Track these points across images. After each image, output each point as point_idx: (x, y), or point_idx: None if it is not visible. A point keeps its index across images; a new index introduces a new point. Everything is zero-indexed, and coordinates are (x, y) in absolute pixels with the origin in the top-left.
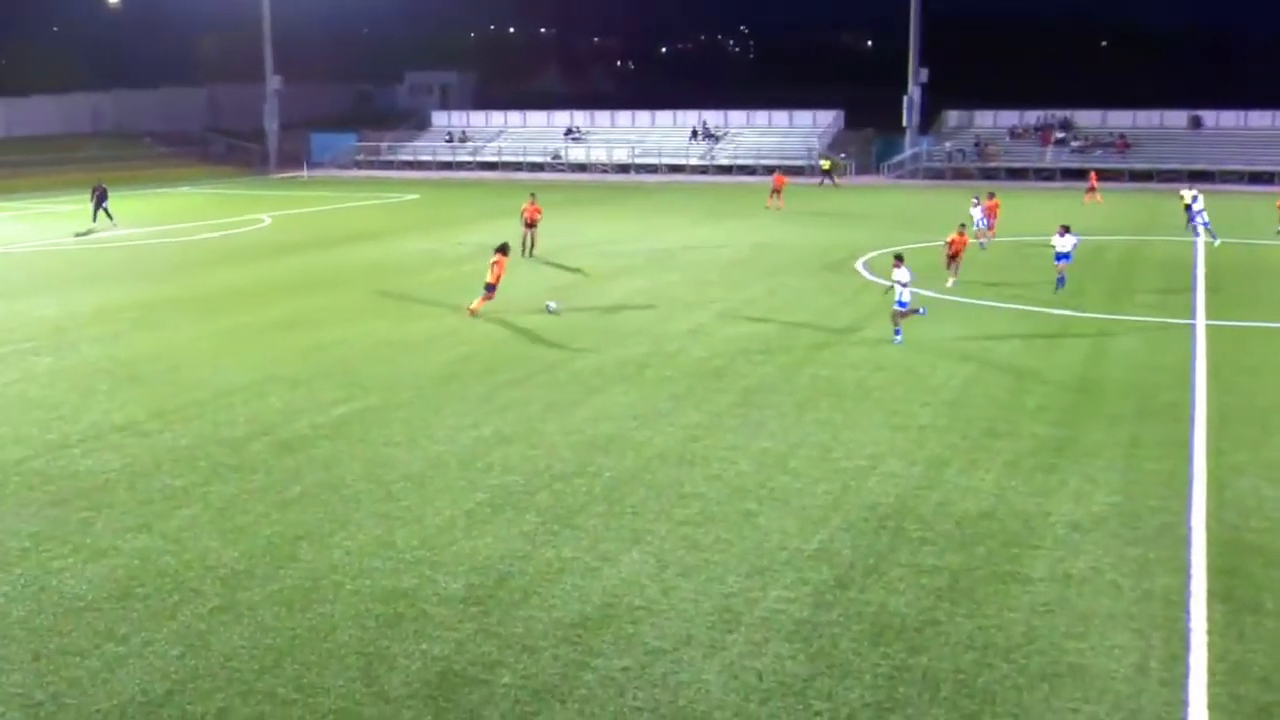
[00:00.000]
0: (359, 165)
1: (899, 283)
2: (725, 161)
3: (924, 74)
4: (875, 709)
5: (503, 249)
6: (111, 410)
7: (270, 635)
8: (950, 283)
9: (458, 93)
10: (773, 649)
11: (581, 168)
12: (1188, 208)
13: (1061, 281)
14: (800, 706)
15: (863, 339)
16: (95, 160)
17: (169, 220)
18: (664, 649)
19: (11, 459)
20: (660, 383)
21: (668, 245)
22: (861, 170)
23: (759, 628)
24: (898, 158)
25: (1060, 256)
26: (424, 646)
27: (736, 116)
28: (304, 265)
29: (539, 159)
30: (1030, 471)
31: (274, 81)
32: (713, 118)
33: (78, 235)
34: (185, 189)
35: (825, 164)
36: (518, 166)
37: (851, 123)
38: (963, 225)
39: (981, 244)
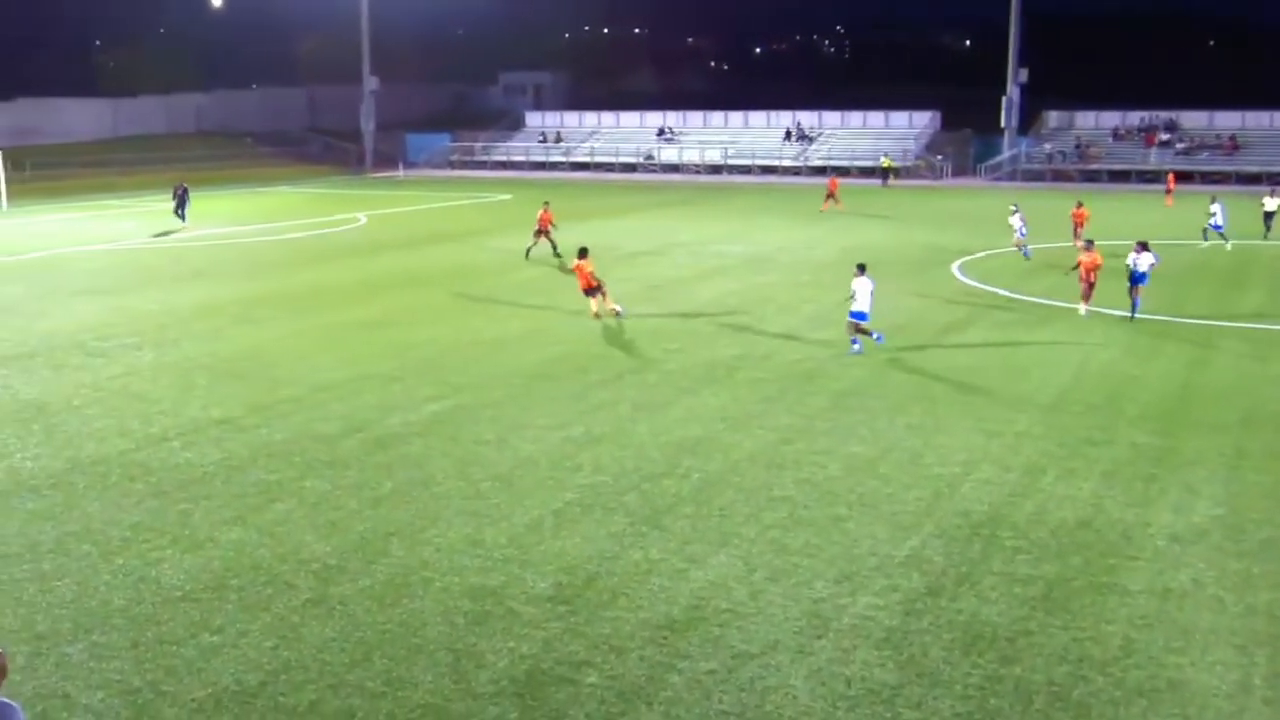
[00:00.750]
0: (453, 165)
1: (855, 293)
2: (819, 163)
3: (1024, 74)
4: (966, 719)
5: (581, 254)
6: (210, 405)
7: (361, 629)
8: (1083, 310)
9: (551, 93)
10: (861, 656)
11: (674, 168)
12: (1269, 215)
13: (1135, 306)
14: (889, 715)
15: (957, 343)
16: (198, 159)
17: (268, 219)
18: (751, 653)
19: (114, 451)
20: (751, 385)
21: (760, 247)
22: (958, 172)
23: (848, 634)
24: (995, 159)
25: (1136, 278)
26: (511, 644)
27: (831, 117)
28: (399, 264)
29: (631, 159)
30: (1129, 481)
31: (371, 82)
32: (807, 118)
33: (155, 236)
34: (284, 188)
35: (885, 162)
36: (610, 167)
37: (948, 124)
38: (1090, 241)
39: (1025, 253)
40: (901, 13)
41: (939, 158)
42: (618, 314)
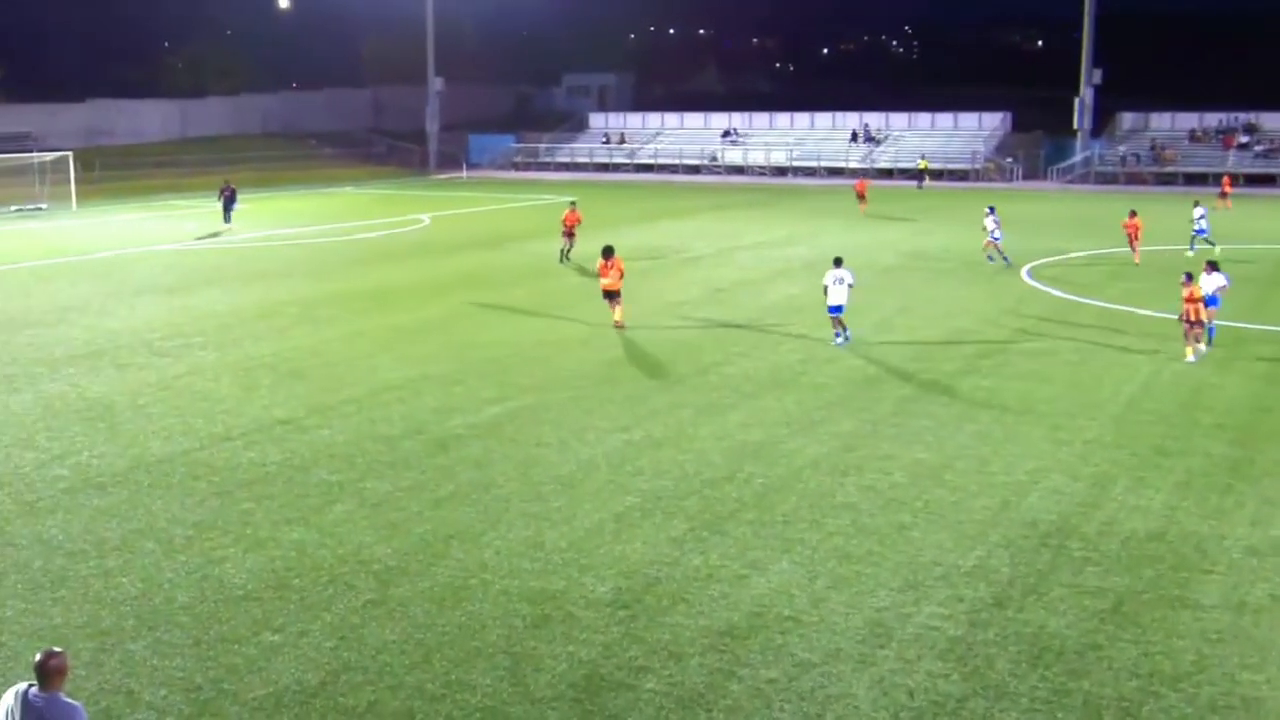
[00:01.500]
0: (516, 167)
1: (827, 287)
2: (886, 165)
3: (1098, 74)
4: None
5: (607, 253)
6: (272, 405)
7: (421, 631)
8: (1191, 355)
9: (615, 94)
10: (925, 666)
11: (739, 170)
12: None
13: (1210, 333)
14: None
15: (1026, 349)
16: (264, 160)
17: (331, 219)
18: (813, 661)
19: (179, 450)
20: (815, 389)
21: (825, 250)
22: (1028, 174)
23: (911, 644)
24: (1067, 162)
25: (1207, 301)
26: (570, 649)
27: (898, 119)
28: (461, 265)
29: (695, 161)
30: (1203, 492)
31: (436, 83)
32: (874, 120)
33: (199, 239)
34: (348, 189)
35: (922, 165)
36: (674, 169)
37: (1019, 125)
38: (1189, 275)
39: (1000, 258)
40: (971, 12)
41: (1009, 160)
42: (620, 326)
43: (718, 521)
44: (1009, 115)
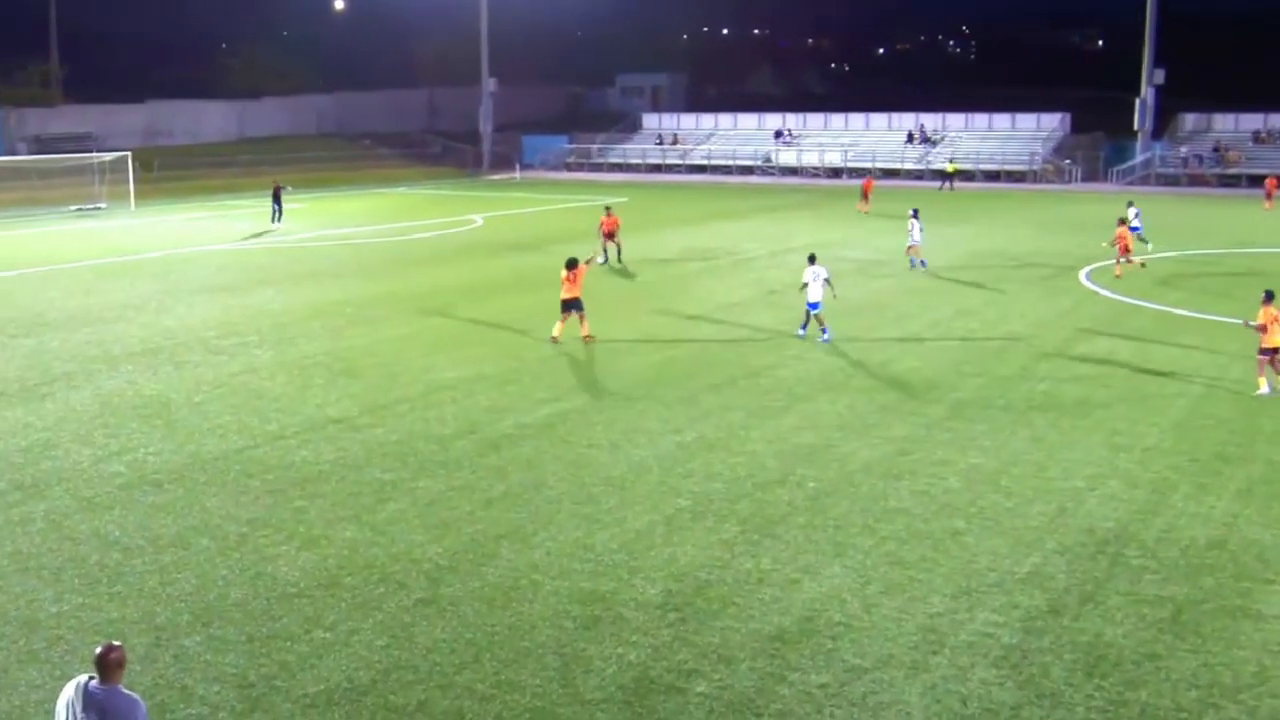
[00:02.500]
0: (569, 167)
1: (807, 283)
2: (942, 166)
3: (1159, 74)
4: None
5: (570, 264)
6: (326, 404)
7: (471, 631)
8: (1264, 388)
9: (669, 95)
10: (979, 674)
11: (792, 171)
12: None
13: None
14: None
15: (1084, 353)
16: (319, 161)
17: (386, 219)
18: (864, 667)
19: (234, 447)
20: (868, 392)
21: (879, 252)
22: (1088, 176)
23: (965, 651)
24: (1127, 163)
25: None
26: (620, 651)
27: (955, 119)
28: (514, 265)
29: (749, 162)
30: (1266, 500)
31: (490, 84)
32: (930, 120)
33: (254, 237)
34: (402, 189)
35: (950, 167)
36: (727, 169)
37: (1079, 126)
38: (1270, 293)
39: (920, 263)
40: (1030, 12)
41: (1067, 161)
42: (589, 338)
43: (769, 525)
44: (1068, 116)
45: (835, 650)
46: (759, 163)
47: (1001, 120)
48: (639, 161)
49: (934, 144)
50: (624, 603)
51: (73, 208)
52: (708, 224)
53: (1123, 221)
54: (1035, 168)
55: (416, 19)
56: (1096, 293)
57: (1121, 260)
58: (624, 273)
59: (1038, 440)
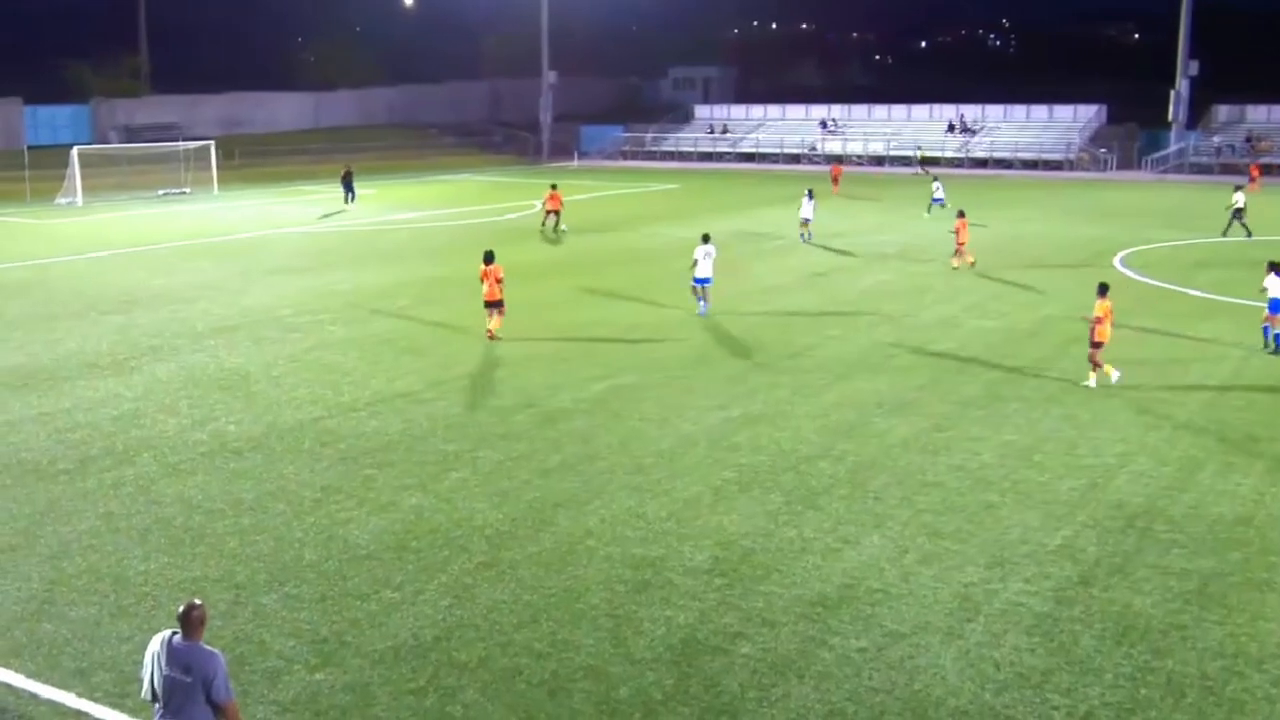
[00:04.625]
0: (624, 156)
1: (696, 260)
2: (981, 155)
3: (1194, 66)
4: (1115, 709)
5: (485, 258)
6: (394, 378)
7: (529, 593)
8: (1091, 380)
9: (719, 86)
10: (1011, 640)
11: (837, 159)
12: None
13: (1278, 340)
14: (1038, 700)
15: (1116, 335)
16: (388, 149)
17: (450, 204)
18: (902, 633)
19: (309, 418)
20: (906, 371)
21: (918, 238)
22: (1123, 165)
23: (998, 619)
24: (1161, 152)
25: (1274, 306)
26: (669, 613)
27: (994, 110)
28: (570, 249)
29: (795, 151)
30: None
31: (550, 76)
32: (970, 111)
33: (324, 218)
34: (466, 176)
35: (920, 155)
36: (774, 158)
37: (1114, 117)
38: (1104, 286)
39: (807, 236)
40: (1068, 5)
41: (1103, 151)
42: (491, 336)
43: (811, 496)
44: (1104, 107)
45: (874, 616)
46: (805, 151)
47: (1039, 111)
48: (690, 150)
49: (973, 134)
50: (673, 568)
51: (160, 192)
52: (754, 210)
53: (962, 214)
54: (1071, 157)
55: (480, 15)
56: (1130, 277)
57: (959, 250)
58: (671, 256)
59: (1069, 418)
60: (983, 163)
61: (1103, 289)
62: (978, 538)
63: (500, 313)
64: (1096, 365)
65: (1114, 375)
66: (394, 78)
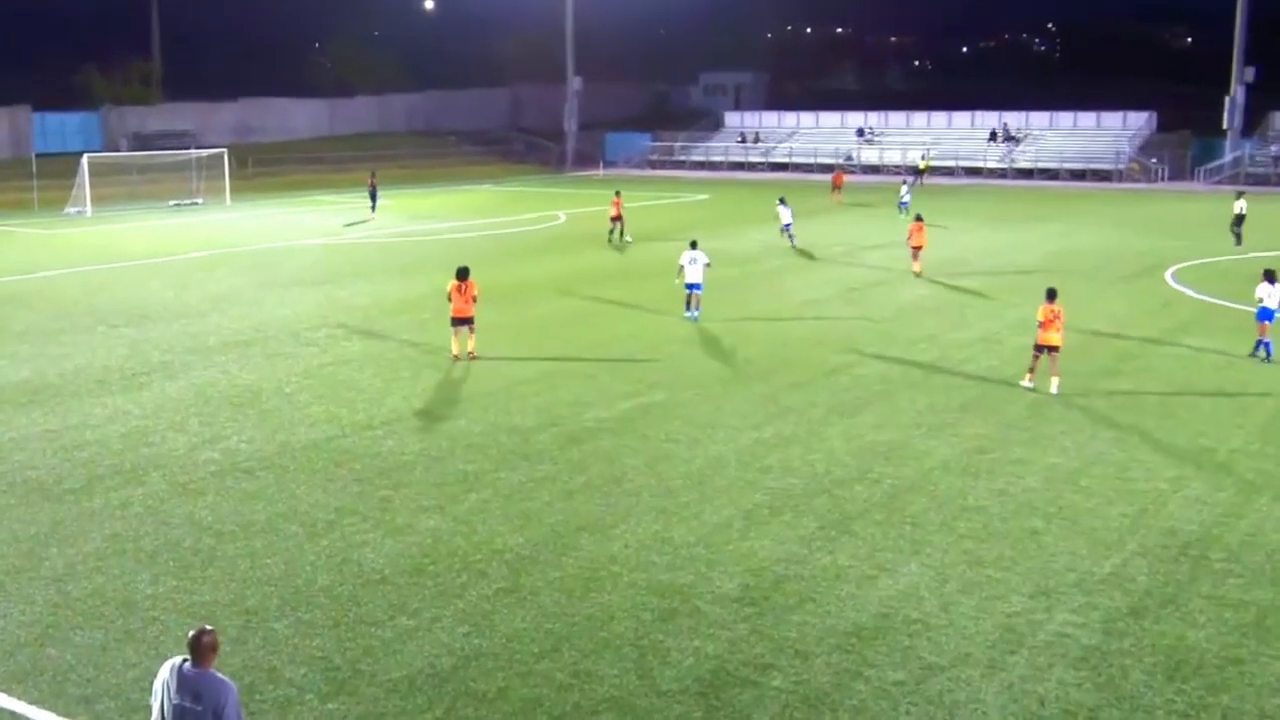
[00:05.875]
0: (652, 165)
1: (683, 266)
2: (1026, 165)
3: (1250, 72)
4: None
5: (458, 274)
6: (412, 395)
7: (550, 620)
8: (1028, 382)
9: (751, 93)
10: (1057, 674)
11: (874, 169)
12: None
13: (1266, 348)
14: None
15: (1169, 354)
16: (407, 157)
17: (471, 215)
18: (941, 665)
19: (323, 436)
20: (947, 390)
21: (959, 251)
22: (1174, 175)
23: (1043, 651)
24: (1216, 162)
25: (1263, 314)
26: (697, 643)
27: (1039, 118)
28: (596, 261)
29: (830, 160)
30: None
31: (575, 83)
32: (1013, 119)
33: (346, 227)
34: (487, 186)
35: (923, 165)
36: (809, 168)
37: (1166, 124)
38: (1052, 291)
39: (792, 240)
40: (1117, 8)
41: (1154, 160)
42: (473, 356)
43: (846, 521)
44: (1154, 114)
45: (912, 647)
46: (840, 161)
47: (1086, 118)
48: (721, 159)
49: (1017, 142)
50: (701, 596)
51: (171, 202)
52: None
53: (919, 219)
54: (1121, 167)
55: (503, 18)
56: (1183, 293)
57: (916, 256)
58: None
59: (1119, 440)
60: (1027, 173)
61: (1051, 294)
62: (1021, 566)
63: (473, 331)
64: (1032, 370)
65: (1054, 385)
66: (413, 83)
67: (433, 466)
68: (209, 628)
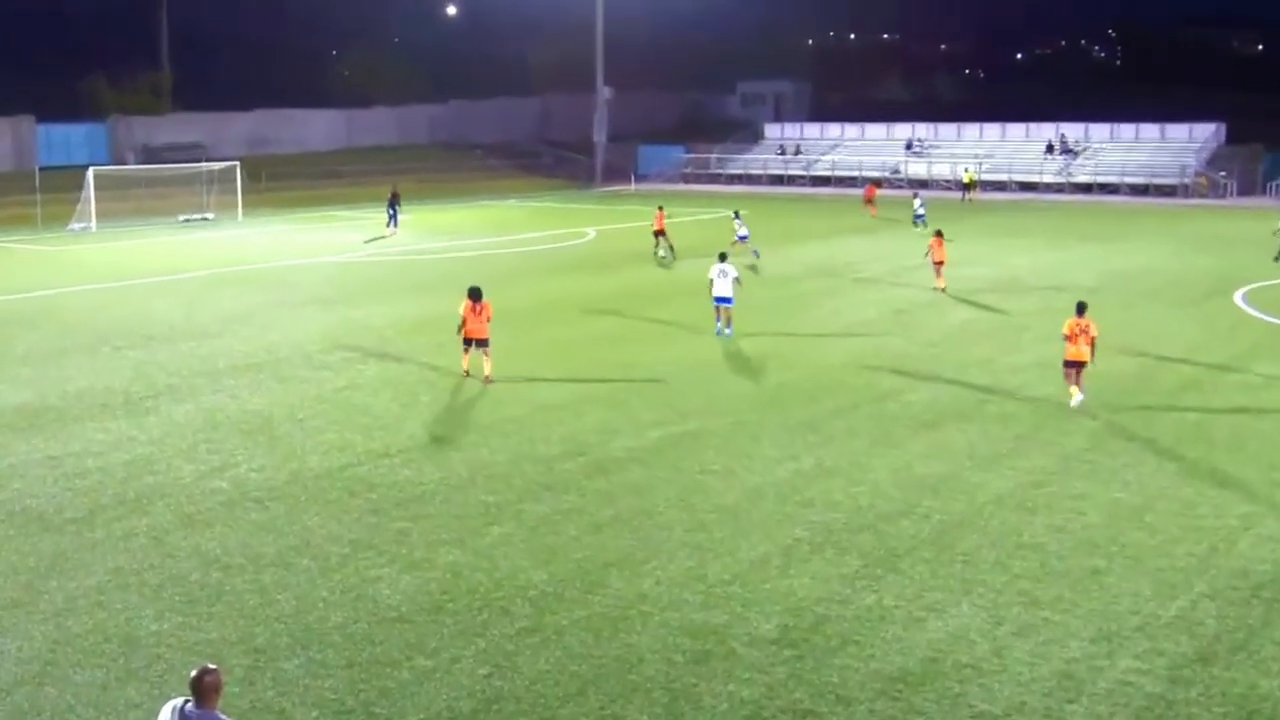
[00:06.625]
0: (686, 179)
1: (713, 280)
2: (1084, 179)
3: None
4: None
5: (471, 294)
6: (430, 421)
7: (576, 662)
8: (1076, 398)
9: (792, 103)
10: None
11: (922, 184)
12: None
13: None
14: None
15: (1239, 381)
16: (429, 171)
17: (495, 232)
18: (994, 714)
19: (336, 465)
20: (1001, 420)
21: (1012, 270)
22: (1244, 190)
23: (1104, 700)
24: None
25: None
26: (732, 688)
27: (1099, 129)
28: (626, 280)
29: (875, 174)
30: None
31: (605, 92)
32: (1071, 130)
33: (366, 243)
34: (513, 201)
35: (968, 178)
36: (853, 182)
37: (1235, 136)
38: (1082, 305)
39: (755, 254)
40: (1182, 13)
41: (1222, 174)
42: (489, 381)
43: (892, 559)
44: (1223, 126)
45: (962, 695)
46: (886, 175)
47: (1149, 130)
48: (760, 173)
49: (1075, 155)
50: (737, 637)
51: (180, 218)
52: (831, 239)
53: (939, 234)
54: (1186, 181)
55: (529, 25)
56: (1253, 315)
57: (939, 272)
58: (743, 289)
59: (1187, 474)
60: (1086, 188)
61: (1080, 308)
62: (1081, 608)
63: (488, 354)
64: (1074, 382)
65: (1075, 398)
66: (435, 93)
67: (452, 497)
68: (212, 667)
